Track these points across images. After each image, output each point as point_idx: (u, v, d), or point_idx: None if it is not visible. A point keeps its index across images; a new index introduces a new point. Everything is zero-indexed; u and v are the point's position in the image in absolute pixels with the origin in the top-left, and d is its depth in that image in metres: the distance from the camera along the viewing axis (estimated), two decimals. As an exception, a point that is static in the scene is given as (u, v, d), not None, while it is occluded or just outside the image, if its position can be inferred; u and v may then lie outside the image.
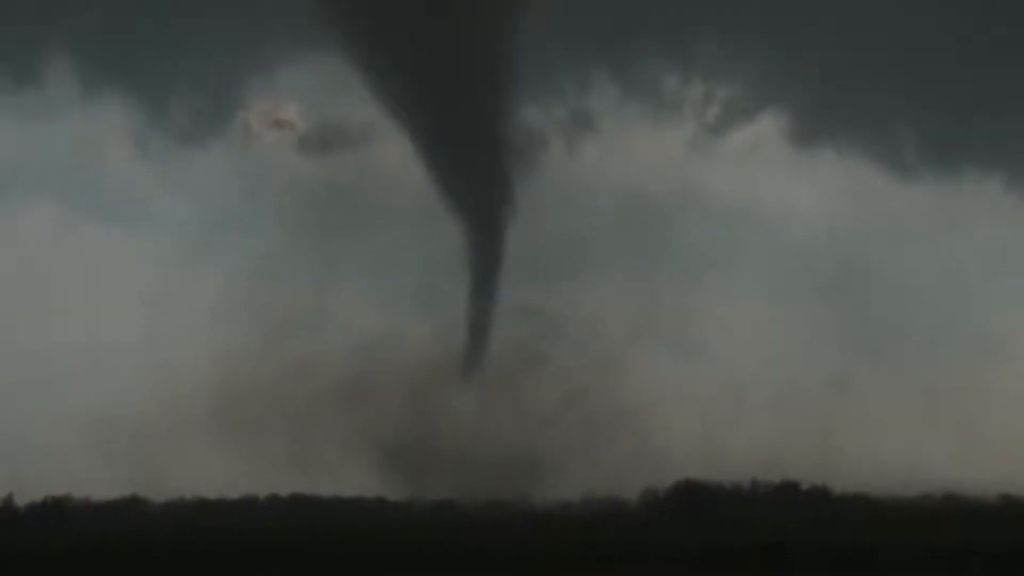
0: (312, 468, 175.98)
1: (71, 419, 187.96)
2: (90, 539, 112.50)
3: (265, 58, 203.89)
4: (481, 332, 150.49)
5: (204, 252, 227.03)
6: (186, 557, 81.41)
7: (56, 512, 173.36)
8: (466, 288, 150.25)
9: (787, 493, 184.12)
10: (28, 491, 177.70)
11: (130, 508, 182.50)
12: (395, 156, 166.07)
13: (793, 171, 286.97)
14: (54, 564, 76.04)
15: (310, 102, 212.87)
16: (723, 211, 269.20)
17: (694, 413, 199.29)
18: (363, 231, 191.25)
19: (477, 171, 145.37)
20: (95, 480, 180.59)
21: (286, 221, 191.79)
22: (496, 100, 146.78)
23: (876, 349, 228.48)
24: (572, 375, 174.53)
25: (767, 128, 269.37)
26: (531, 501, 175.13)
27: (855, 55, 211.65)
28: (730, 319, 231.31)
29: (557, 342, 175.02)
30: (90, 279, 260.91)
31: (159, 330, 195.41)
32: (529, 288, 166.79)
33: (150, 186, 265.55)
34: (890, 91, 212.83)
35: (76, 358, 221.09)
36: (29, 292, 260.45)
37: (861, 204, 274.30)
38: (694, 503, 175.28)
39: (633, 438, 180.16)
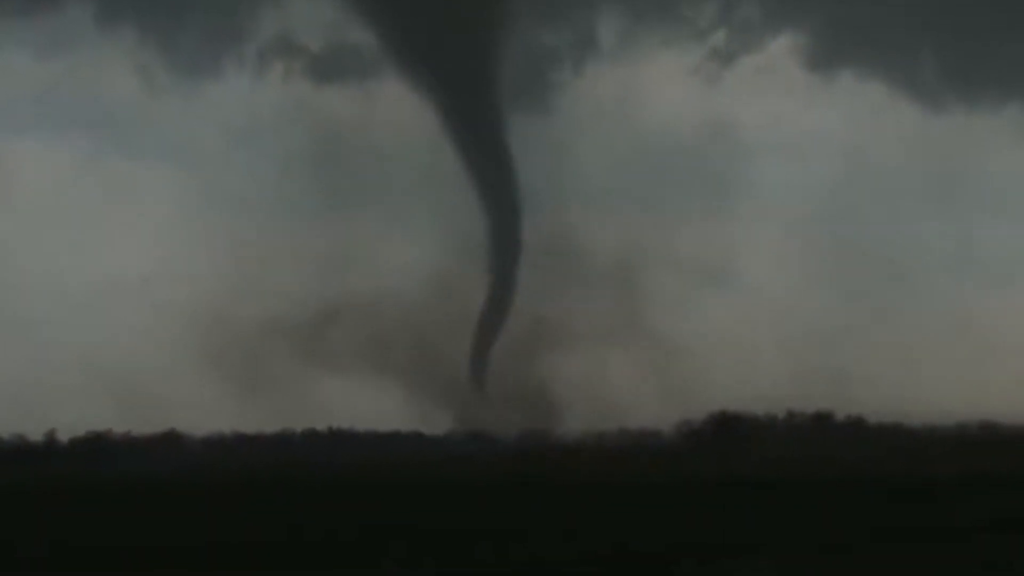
0: (348, 403, 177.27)
1: (101, 356, 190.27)
2: (129, 473, 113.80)
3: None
4: (490, 336, 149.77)
5: (223, 188, 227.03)
6: (225, 491, 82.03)
7: (97, 447, 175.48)
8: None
9: (823, 423, 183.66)
10: (69, 427, 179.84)
11: (169, 443, 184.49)
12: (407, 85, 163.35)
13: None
14: (96, 498, 76.79)
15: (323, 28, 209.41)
16: (738, 138, 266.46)
17: (728, 344, 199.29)
18: (376, 165, 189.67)
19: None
20: (133, 415, 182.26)
21: (300, 154, 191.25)
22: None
23: (906, 277, 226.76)
24: (597, 309, 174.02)
25: (781, 51, 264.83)
26: (565, 433, 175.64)
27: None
28: (755, 250, 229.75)
29: (582, 275, 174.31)
30: (120, 214, 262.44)
31: (180, 265, 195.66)
32: (550, 220, 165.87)
33: (163, 118, 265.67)
34: (907, 12, 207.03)
35: (101, 293, 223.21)
36: (52, 227, 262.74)
37: (881, 131, 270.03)
38: (729, 434, 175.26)
39: (666, 370, 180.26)
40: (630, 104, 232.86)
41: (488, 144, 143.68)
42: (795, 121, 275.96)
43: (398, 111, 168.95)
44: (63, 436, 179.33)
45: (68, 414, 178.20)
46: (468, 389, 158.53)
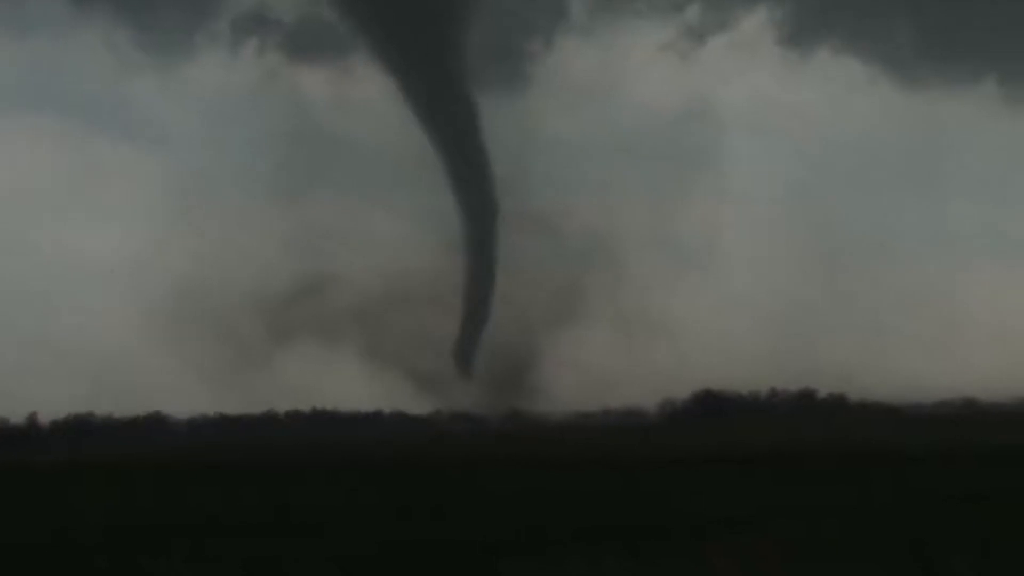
0: (332, 383, 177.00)
1: (82, 334, 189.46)
2: (112, 455, 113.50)
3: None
4: (476, 326, 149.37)
5: (200, 165, 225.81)
6: (208, 472, 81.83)
7: (79, 429, 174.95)
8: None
9: (805, 401, 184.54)
10: (50, 408, 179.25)
11: (153, 425, 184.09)
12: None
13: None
14: (80, 480, 76.49)
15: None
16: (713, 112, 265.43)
17: (710, 322, 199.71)
18: (352, 141, 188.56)
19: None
20: (114, 395, 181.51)
21: (275, 131, 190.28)
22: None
23: (885, 253, 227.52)
24: (578, 286, 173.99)
25: (756, 27, 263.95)
26: (549, 412, 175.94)
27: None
28: (734, 228, 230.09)
29: (561, 251, 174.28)
30: (96, 194, 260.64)
31: (157, 244, 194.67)
32: (530, 196, 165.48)
33: (136, 97, 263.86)
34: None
35: (79, 274, 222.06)
36: (25, 208, 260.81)
37: (858, 106, 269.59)
38: (713, 412, 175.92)
39: (649, 348, 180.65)
40: (603, 79, 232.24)
41: (460, 129, 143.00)
42: (771, 97, 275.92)
43: (373, 86, 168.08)
44: (44, 419, 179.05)
45: (49, 397, 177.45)
46: (455, 376, 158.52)
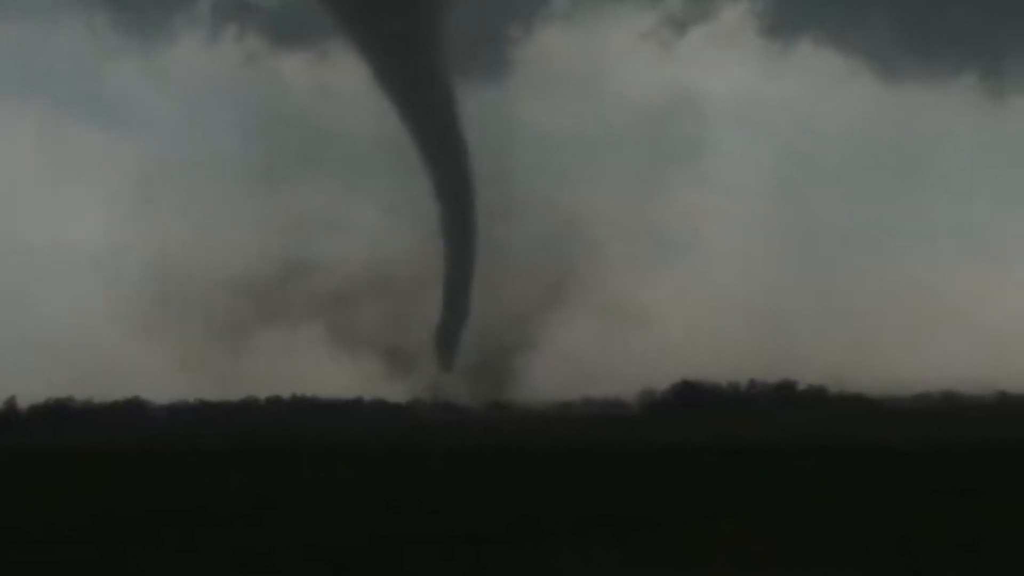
0: (311, 370, 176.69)
1: (62, 320, 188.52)
2: (92, 440, 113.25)
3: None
4: (457, 317, 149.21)
5: (179, 150, 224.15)
6: (187, 458, 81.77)
7: (58, 414, 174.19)
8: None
9: (784, 393, 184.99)
10: (29, 394, 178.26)
11: (132, 410, 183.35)
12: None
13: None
14: (58, 465, 76.38)
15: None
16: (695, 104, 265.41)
17: (690, 313, 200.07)
18: (332, 127, 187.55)
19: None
20: (93, 381, 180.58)
21: (255, 116, 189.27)
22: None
23: (865, 246, 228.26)
24: (558, 276, 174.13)
25: (737, 17, 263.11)
26: (529, 402, 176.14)
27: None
28: (714, 219, 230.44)
29: (541, 242, 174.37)
30: (75, 180, 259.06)
31: (136, 230, 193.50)
32: (510, 186, 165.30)
33: (119, 82, 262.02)
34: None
35: (57, 260, 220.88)
36: (4, 194, 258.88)
37: (839, 99, 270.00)
38: (692, 403, 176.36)
39: (629, 338, 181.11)
40: (583, 68, 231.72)
41: (437, 117, 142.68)
42: (752, 88, 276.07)
43: (355, 73, 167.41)
44: (23, 403, 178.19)
45: (27, 382, 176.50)
46: (436, 366, 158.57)
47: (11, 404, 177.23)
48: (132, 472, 67.02)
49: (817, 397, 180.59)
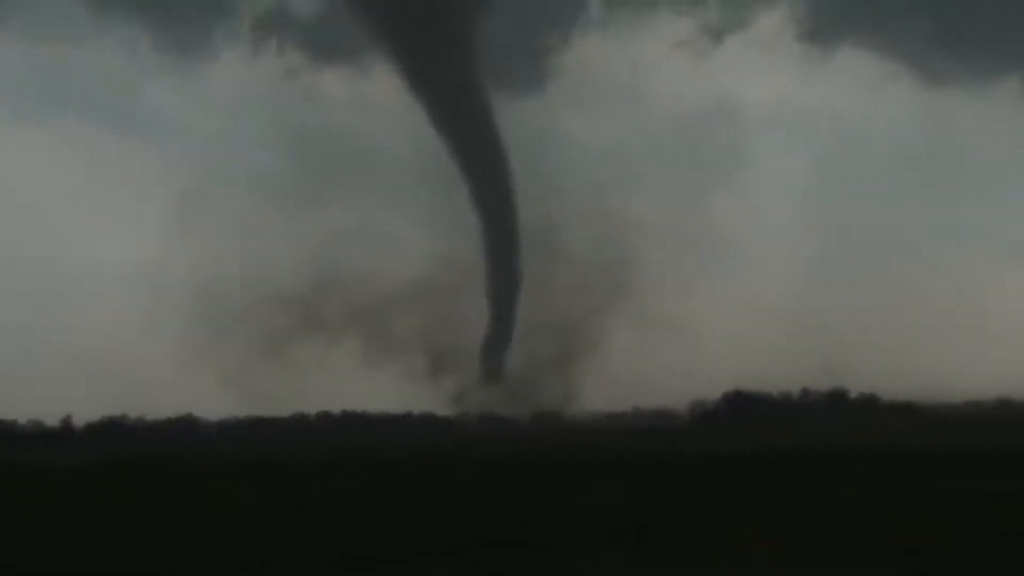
0: (356, 384, 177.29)
1: (109, 337, 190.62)
2: (146, 457, 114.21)
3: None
4: (504, 331, 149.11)
5: (221, 166, 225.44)
6: (241, 474, 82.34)
7: (113, 431, 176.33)
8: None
9: (837, 401, 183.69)
10: (85, 411, 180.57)
11: (184, 427, 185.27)
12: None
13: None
14: (114, 481, 77.21)
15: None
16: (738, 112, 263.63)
17: (735, 322, 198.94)
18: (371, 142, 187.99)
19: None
20: (144, 399, 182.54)
21: (294, 131, 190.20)
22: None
23: (911, 252, 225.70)
24: (603, 287, 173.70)
25: (774, 24, 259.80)
26: (578, 414, 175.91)
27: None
28: (758, 225, 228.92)
29: (587, 252, 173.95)
30: (118, 198, 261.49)
31: (181, 246, 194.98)
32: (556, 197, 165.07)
33: (159, 100, 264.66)
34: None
35: (105, 277, 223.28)
36: (54, 213, 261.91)
37: (879, 103, 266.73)
38: (744, 413, 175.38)
39: (675, 348, 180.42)
40: (621, 77, 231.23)
41: (475, 133, 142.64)
42: (791, 94, 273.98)
43: (393, 86, 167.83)
44: (79, 421, 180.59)
45: (82, 400, 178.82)
46: (483, 379, 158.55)
47: (67, 422, 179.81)
48: (190, 483, 67.75)
49: (869, 405, 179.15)
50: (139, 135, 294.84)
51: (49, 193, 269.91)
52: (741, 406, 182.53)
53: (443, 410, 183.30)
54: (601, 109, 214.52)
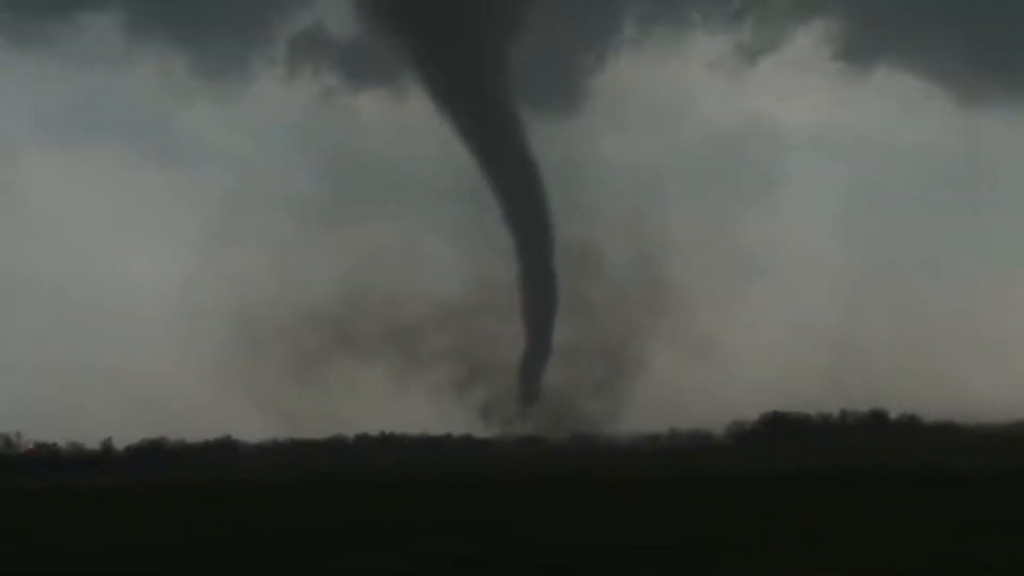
0: (392, 405, 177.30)
1: (149, 360, 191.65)
2: (186, 480, 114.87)
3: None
4: (540, 354, 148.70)
5: (258, 190, 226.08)
6: (280, 496, 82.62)
7: (153, 454, 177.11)
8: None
9: (877, 422, 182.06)
10: (125, 434, 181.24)
11: (224, 450, 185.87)
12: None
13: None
14: (152, 504, 77.66)
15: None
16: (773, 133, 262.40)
17: (772, 343, 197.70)
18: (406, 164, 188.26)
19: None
20: (185, 422, 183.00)
21: (331, 155, 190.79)
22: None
23: (949, 273, 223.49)
24: (640, 307, 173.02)
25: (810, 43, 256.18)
26: (616, 435, 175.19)
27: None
28: (793, 246, 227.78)
29: (625, 272, 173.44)
30: (155, 222, 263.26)
31: (217, 270, 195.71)
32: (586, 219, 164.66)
33: (196, 124, 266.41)
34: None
35: (144, 299, 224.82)
36: (92, 237, 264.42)
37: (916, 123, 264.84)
38: (783, 434, 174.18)
39: (712, 369, 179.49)
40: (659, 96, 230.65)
41: (509, 157, 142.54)
42: (826, 114, 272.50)
43: (428, 108, 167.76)
44: (119, 444, 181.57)
45: (121, 423, 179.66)
46: (520, 403, 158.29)
47: (108, 445, 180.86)
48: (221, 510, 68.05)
49: (910, 426, 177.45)
50: (175, 159, 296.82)
51: (86, 217, 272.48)
52: (779, 427, 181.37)
53: (480, 431, 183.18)
54: (637, 129, 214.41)
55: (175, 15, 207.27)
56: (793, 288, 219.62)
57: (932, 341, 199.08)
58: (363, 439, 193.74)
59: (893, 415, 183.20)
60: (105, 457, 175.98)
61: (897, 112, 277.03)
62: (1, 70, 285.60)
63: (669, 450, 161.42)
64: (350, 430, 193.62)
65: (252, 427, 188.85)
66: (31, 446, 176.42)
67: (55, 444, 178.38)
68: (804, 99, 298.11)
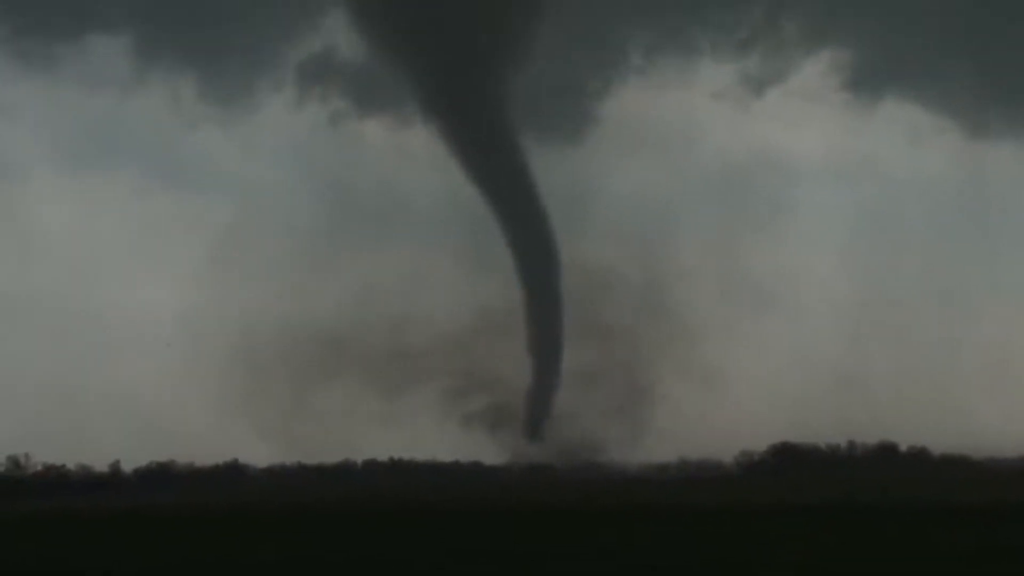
0: (400, 431, 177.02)
1: (157, 383, 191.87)
2: (193, 503, 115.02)
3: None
4: (547, 391, 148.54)
5: (264, 214, 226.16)
6: (286, 521, 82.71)
7: (161, 477, 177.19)
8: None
9: (886, 455, 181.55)
10: (133, 457, 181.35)
11: (232, 474, 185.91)
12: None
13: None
14: (160, 527, 77.82)
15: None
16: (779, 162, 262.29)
17: (780, 374, 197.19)
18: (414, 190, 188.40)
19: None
20: (192, 445, 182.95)
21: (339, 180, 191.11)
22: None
23: (957, 305, 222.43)
24: (647, 337, 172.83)
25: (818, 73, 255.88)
26: (626, 464, 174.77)
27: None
28: (801, 277, 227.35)
29: (631, 302, 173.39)
30: (162, 247, 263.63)
31: (227, 292, 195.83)
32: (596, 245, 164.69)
33: (205, 149, 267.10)
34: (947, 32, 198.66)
35: (151, 321, 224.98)
36: (102, 262, 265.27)
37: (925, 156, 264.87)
38: (792, 465, 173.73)
39: (720, 399, 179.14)
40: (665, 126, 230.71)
41: (511, 185, 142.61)
42: (834, 145, 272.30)
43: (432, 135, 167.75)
44: (127, 467, 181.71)
45: (128, 445, 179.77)
46: (528, 430, 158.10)
47: (116, 468, 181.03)
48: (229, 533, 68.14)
49: (919, 458, 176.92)
50: (183, 183, 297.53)
51: (94, 240, 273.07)
52: (789, 458, 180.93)
53: (490, 459, 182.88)
54: (642, 157, 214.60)
55: (184, 39, 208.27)
56: (802, 318, 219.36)
57: (941, 372, 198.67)
58: (371, 464, 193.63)
59: (903, 447, 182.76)
60: (113, 479, 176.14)
61: (904, 144, 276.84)
62: (9, 92, 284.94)
63: (678, 480, 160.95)
64: (358, 455, 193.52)
65: (259, 451, 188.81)
66: (40, 468, 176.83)
67: (64, 466, 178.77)
68: (811, 129, 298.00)
